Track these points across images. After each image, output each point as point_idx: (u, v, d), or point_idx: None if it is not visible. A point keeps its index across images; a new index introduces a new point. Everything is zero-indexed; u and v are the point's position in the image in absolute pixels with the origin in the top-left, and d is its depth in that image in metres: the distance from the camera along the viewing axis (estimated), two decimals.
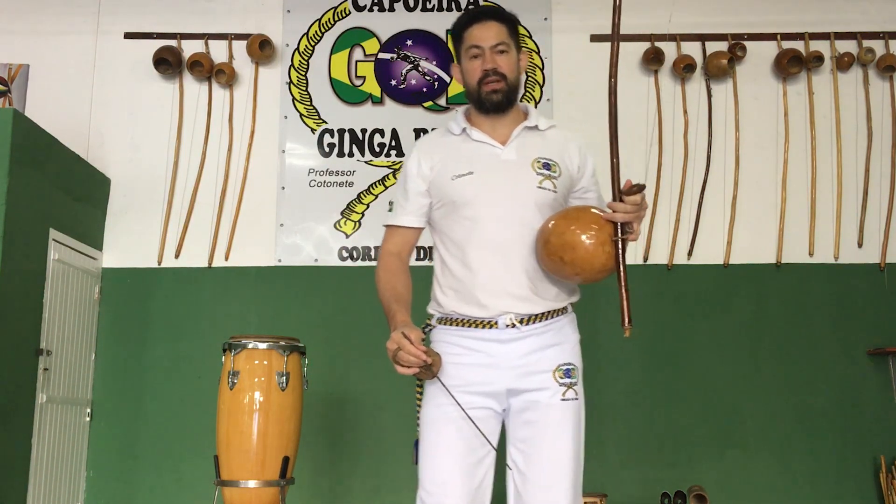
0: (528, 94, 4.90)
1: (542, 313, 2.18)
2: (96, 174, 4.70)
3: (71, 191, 4.40)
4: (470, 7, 4.98)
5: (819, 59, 4.82)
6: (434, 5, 4.99)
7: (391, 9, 4.99)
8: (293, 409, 3.40)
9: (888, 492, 4.37)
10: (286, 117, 4.89)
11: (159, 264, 4.73)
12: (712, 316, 4.67)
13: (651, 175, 4.81)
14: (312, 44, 4.97)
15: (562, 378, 2.17)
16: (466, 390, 2.13)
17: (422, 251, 4.44)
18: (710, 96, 4.88)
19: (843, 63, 4.86)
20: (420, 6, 4.99)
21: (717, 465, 4.51)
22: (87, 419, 4.55)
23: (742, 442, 4.54)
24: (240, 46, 4.91)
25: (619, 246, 2.04)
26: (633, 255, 4.72)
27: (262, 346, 3.40)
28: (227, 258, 4.73)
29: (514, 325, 2.14)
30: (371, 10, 5.00)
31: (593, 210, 2.12)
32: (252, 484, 3.28)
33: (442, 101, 4.90)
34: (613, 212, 2.05)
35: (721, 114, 4.87)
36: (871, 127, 4.81)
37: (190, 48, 4.91)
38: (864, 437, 4.52)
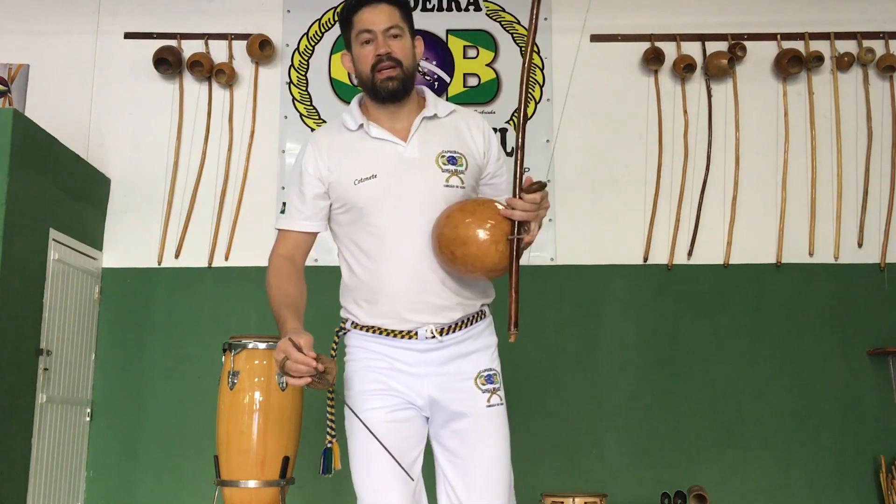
0: (528, 93, 4.89)
1: (461, 321, 2.10)
2: (96, 174, 4.70)
3: (71, 191, 4.40)
4: (469, 6, 4.98)
5: (819, 59, 4.82)
6: (434, 5, 5.00)
7: None
8: (293, 409, 3.40)
9: (888, 492, 4.37)
10: (286, 117, 4.89)
11: (159, 264, 4.73)
12: (712, 316, 4.67)
13: (651, 175, 4.81)
14: (312, 44, 4.97)
15: (484, 385, 2.10)
16: (389, 394, 2.08)
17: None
18: (710, 96, 4.88)
19: (843, 63, 4.86)
20: (420, 6, 4.99)
21: (717, 465, 4.51)
22: (87, 419, 4.55)
23: (742, 442, 4.54)
24: (240, 46, 4.91)
25: (514, 245, 1.93)
26: (634, 254, 4.72)
27: (262, 346, 3.40)
28: (227, 258, 4.73)
29: (433, 336, 2.06)
30: None
31: (493, 204, 1.99)
32: (252, 484, 3.28)
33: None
34: (512, 209, 1.92)
35: (721, 114, 4.86)
36: (871, 127, 4.81)
37: (190, 48, 4.91)
38: (864, 437, 4.53)
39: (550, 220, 4.75)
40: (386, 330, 2.09)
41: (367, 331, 2.12)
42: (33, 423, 4.00)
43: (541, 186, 1.93)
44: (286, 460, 3.34)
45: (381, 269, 2.07)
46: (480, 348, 2.14)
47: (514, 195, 1.95)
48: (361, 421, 2.04)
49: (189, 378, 4.56)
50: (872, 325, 4.63)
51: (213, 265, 4.73)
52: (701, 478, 4.45)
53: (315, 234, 2.20)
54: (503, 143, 4.85)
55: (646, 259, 4.73)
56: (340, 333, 2.19)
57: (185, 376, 4.57)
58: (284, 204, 2.21)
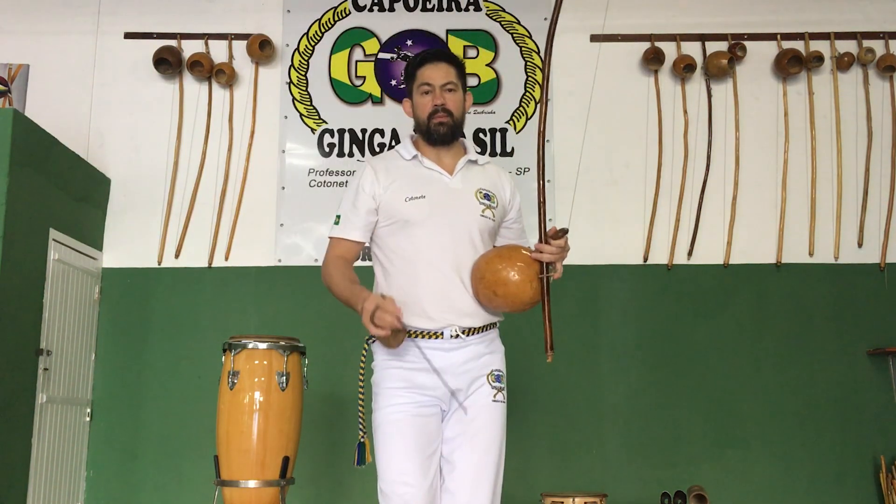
0: (527, 93, 4.91)
1: (481, 326, 2.42)
2: (96, 174, 4.70)
3: (71, 191, 4.40)
4: (469, 6, 4.98)
5: (819, 59, 4.82)
6: (434, 5, 5.00)
7: (391, 9, 4.99)
8: (293, 409, 3.40)
9: (888, 492, 4.37)
10: (286, 117, 4.89)
11: (159, 264, 4.73)
12: (712, 316, 4.67)
13: (651, 175, 4.81)
14: (312, 44, 4.97)
15: (494, 382, 2.43)
16: (416, 391, 2.36)
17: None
18: (710, 96, 4.88)
19: (843, 63, 4.86)
20: (420, 6, 5.00)
21: (717, 465, 4.51)
22: (87, 419, 4.55)
23: (742, 442, 4.54)
24: (240, 46, 4.91)
25: (545, 282, 2.33)
26: (634, 254, 4.73)
27: (262, 346, 3.39)
28: (227, 258, 4.73)
29: (457, 336, 2.37)
30: (371, 10, 5.00)
31: (523, 251, 2.39)
32: (252, 484, 3.28)
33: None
34: (541, 252, 2.33)
35: (721, 114, 4.87)
36: (871, 127, 4.81)
37: (190, 48, 4.92)
38: (864, 437, 4.53)
39: (550, 220, 4.75)
40: (414, 332, 2.36)
41: None
42: (33, 423, 4.00)
43: (564, 232, 2.34)
44: (286, 460, 3.34)
45: (416, 274, 2.39)
46: (494, 351, 2.48)
47: (541, 240, 2.35)
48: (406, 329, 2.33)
49: (189, 378, 4.56)
50: (872, 325, 4.63)
51: (213, 265, 4.73)
52: (701, 478, 4.45)
53: (362, 245, 2.51)
54: (503, 142, 4.85)
55: (646, 259, 4.73)
56: (370, 341, 2.46)
57: (185, 376, 4.57)
58: (338, 216, 2.52)
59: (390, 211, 2.43)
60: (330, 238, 2.54)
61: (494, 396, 2.42)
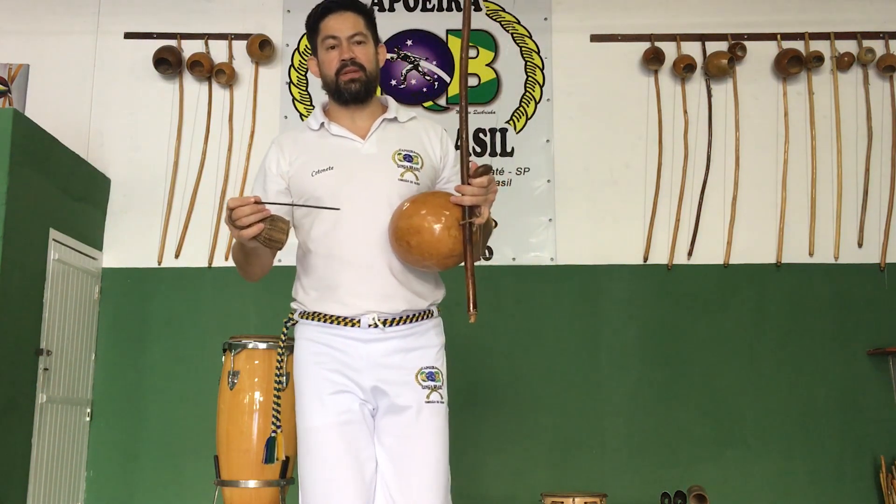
0: (528, 93, 4.90)
1: (405, 315, 2.15)
2: (96, 174, 4.70)
3: (71, 191, 4.40)
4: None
5: (819, 59, 4.82)
6: (434, 5, 4.99)
7: (391, 9, 4.99)
8: (293, 409, 3.40)
9: (888, 492, 4.37)
10: (286, 117, 4.89)
11: (159, 264, 4.73)
12: (712, 316, 4.67)
13: (651, 175, 4.81)
14: None
15: (424, 381, 2.15)
16: (336, 391, 2.13)
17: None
18: (710, 96, 4.88)
19: (843, 63, 4.86)
20: (420, 6, 4.99)
21: (717, 465, 4.51)
22: (87, 419, 4.55)
23: (742, 442, 4.54)
24: (240, 46, 4.91)
25: (468, 230, 2.00)
26: (634, 254, 4.72)
27: (262, 346, 3.40)
28: (227, 258, 4.73)
29: (376, 325, 2.12)
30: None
31: (443, 194, 2.07)
32: (252, 484, 3.28)
33: (442, 101, 4.90)
34: (462, 195, 2.00)
35: (721, 114, 4.87)
36: (871, 127, 4.81)
37: (190, 48, 4.91)
38: (864, 437, 4.52)
39: (550, 220, 4.75)
40: (330, 316, 2.15)
41: (313, 318, 2.18)
42: (33, 423, 4.00)
43: (486, 170, 2.00)
44: (286, 460, 3.34)
45: (330, 255, 2.15)
46: (424, 346, 2.18)
47: (463, 181, 2.03)
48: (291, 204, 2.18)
49: (189, 378, 4.55)
50: (872, 325, 4.63)
51: (213, 265, 4.73)
52: (701, 478, 4.44)
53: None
54: (503, 142, 4.85)
55: (646, 259, 4.73)
56: (289, 324, 2.29)
57: (185, 376, 4.57)
58: None
59: (299, 189, 2.19)
60: None
61: (428, 397, 2.14)
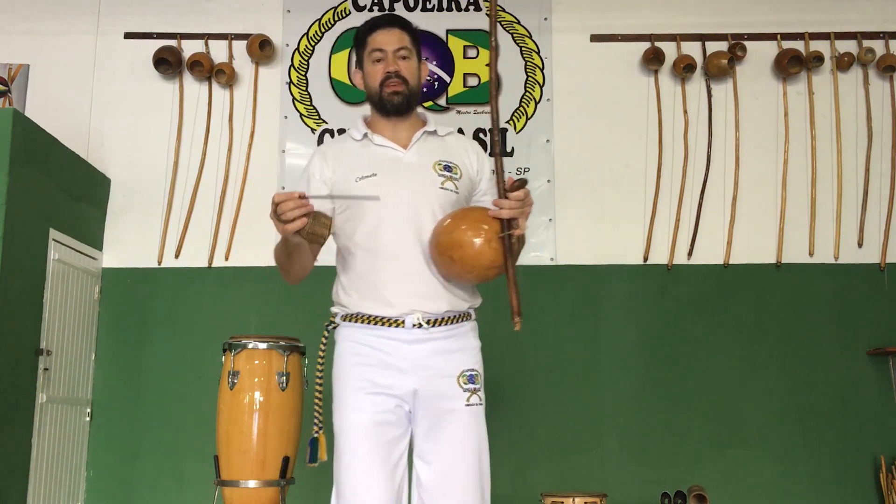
0: (528, 93, 4.90)
1: (447, 316, 2.21)
2: (96, 174, 4.70)
3: (71, 191, 4.40)
4: (469, 6, 4.98)
5: (819, 59, 4.82)
6: (434, 5, 4.99)
7: (391, 9, 4.99)
8: (293, 409, 3.41)
9: (888, 492, 4.37)
10: (286, 117, 4.89)
11: (159, 264, 4.73)
12: (712, 316, 4.67)
13: (651, 175, 4.81)
14: (312, 44, 4.97)
15: (466, 384, 2.20)
16: (376, 392, 2.16)
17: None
18: (710, 96, 4.88)
19: (843, 63, 4.86)
20: (420, 6, 4.99)
21: (717, 465, 4.51)
22: (87, 419, 4.55)
23: (742, 442, 4.54)
24: (240, 46, 4.91)
25: (507, 242, 2.08)
26: (634, 254, 4.73)
27: (262, 346, 3.40)
28: (227, 258, 4.73)
29: (420, 325, 2.17)
30: (371, 10, 4.99)
31: (481, 209, 2.16)
32: (252, 484, 3.28)
33: (442, 101, 4.90)
34: (499, 209, 2.08)
35: (721, 114, 4.87)
36: (871, 127, 4.81)
37: (190, 48, 4.91)
38: (864, 437, 4.52)
39: (550, 220, 4.75)
40: (374, 318, 2.19)
41: (356, 321, 2.22)
42: (33, 423, 4.00)
43: (522, 184, 2.08)
44: (286, 460, 3.34)
45: (374, 259, 2.21)
46: (465, 348, 2.25)
47: (500, 195, 2.11)
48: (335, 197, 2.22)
49: (189, 378, 4.55)
50: (872, 325, 4.63)
51: (213, 265, 4.73)
52: (701, 478, 4.44)
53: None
54: (503, 142, 4.84)
55: (646, 259, 4.73)
56: (330, 328, 2.31)
57: (185, 376, 4.57)
58: None
59: (342, 193, 2.25)
60: None
61: (468, 400, 2.19)
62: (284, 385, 3.37)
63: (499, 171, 2.14)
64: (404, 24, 2.36)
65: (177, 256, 4.74)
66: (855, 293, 4.67)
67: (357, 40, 2.38)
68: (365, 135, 2.32)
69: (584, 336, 4.67)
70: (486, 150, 4.96)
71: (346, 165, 2.27)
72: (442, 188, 2.24)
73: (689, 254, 4.74)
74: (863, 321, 4.64)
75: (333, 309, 2.32)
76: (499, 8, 4.98)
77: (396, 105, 2.29)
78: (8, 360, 3.79)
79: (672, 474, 4.47)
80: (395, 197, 2.20)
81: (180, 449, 4.51)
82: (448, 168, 2.29)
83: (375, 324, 2.18)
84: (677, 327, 4.66)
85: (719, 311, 4.68)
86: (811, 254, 4.72)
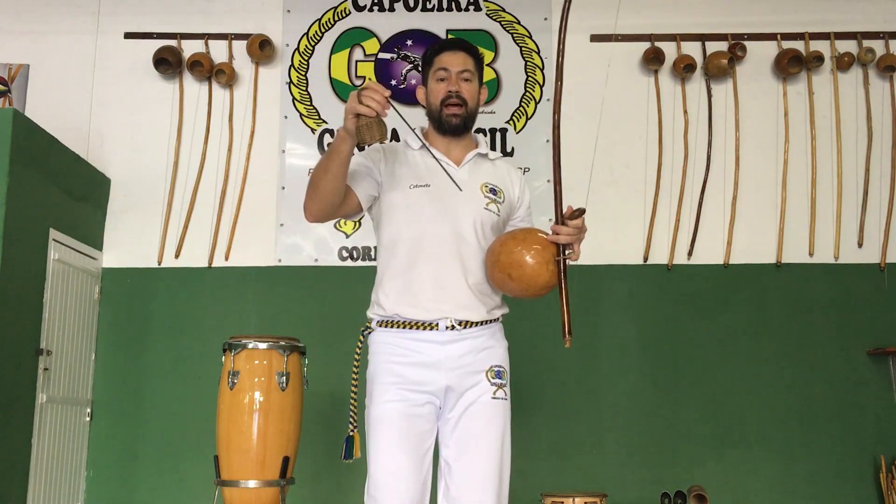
0: (528, 93, 4.90)
1: (480, 321, 2.35)
2: (96, 174, 4.70)
3: (71, 191, 4.40)
4: (469, 6, 4.98)
5: (819, 59, 4.82)
6: (434, 5, 5.00)
7: (391, 9, 4.99)
8: (293, 409, 3.41)
9: (888, 492, 4.37)
10: (286, 117, 4.89)
11: (159, 264, 4.73)
12: (712, 316, 4.67)
13: (651, 175, 4.81)
14: (312, 44, 4.97)
15: (493, 378, 2.35)
16: (408, 388, 2.30)
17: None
18: (710, 96, 4.88)
19: (843, 63, 4.86)
20: (420, 6, 4.99)
21: (717, 465, 4.51)
22: (87, 419, 4.55)
23: (742, 442, 4.54)
24: (240, 46, 4.91)
25: (562, 265, 2.26)
26: (634, 254, 4.73)
27: (262, 346, 3.40)
28: (227, 258, 4.73)
29: (453, 328, 2.31)
30: (371, 10, 5.00)
31: (539, 233, 2.32)
32: (252, 484, 3.28)
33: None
34: (557, 234, 2.25)
35: (721, 114, 4.87)
36: (871, 127, 4.81)
37: (190, 48, 4.91)
38: (864, 437, 4.53)
39: (550, 220, 4.73)
40: (409, 322, 2.31)
41: (392, 326, 2.34)
42: (33, 423, 4.00)
43: (581, 213, 2.25)
44: (286, 460, 3.34)
45: (414, 264, 2.33)
46: (494, 346, 2.40)
47: (558, 222, 2.26)
48: (404, 120, 2.31)
49: (189, 378, 4.55)
50: (872, 325, 4.63)
51: (213, 265, 4.73)
52: (701, 478, 4.45)
53: (358, 205, 2.38)
54: (503, 142, 4.85)
55: (646, 259, 4.73)
56: (366, 333, 2.43)
57: (185, 376, 4.57)
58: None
59: (393, 196, 2.39)
60: None
61: (494, 393, 2.34)
62: (284, 385, 3.37)
63: (558, 198, 2.30)
64: (470, 49, 2.48)
65: (177, 256, 4.74)
66: (855, 293, 4.67)
67: (424, 59, 2.51)
68: (423, 146, 2.44)
69: (584, 336, 4.67)
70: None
71: (403, 168, 2.40)
72: (486, 209, 2.40)
73: (689, 254, 4.74)
74: (863, 321, 4.64)
75: (370, 314, 2.43)
76: (499, 8, 4.99)
77: (454, 126, 2.42)
78: (8, 360, 3.79)
79: (672, 474, 4.47)
80: (443, 207, 2.35)
81: (180, 449, 4.50)
82: (493, 191, 2.44)
83: (410, 328, 2.31)
84: (677, 327, 4.66)
85: (719, 311, 4.68)
86: (811, 254, 4.72)
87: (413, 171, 2.41)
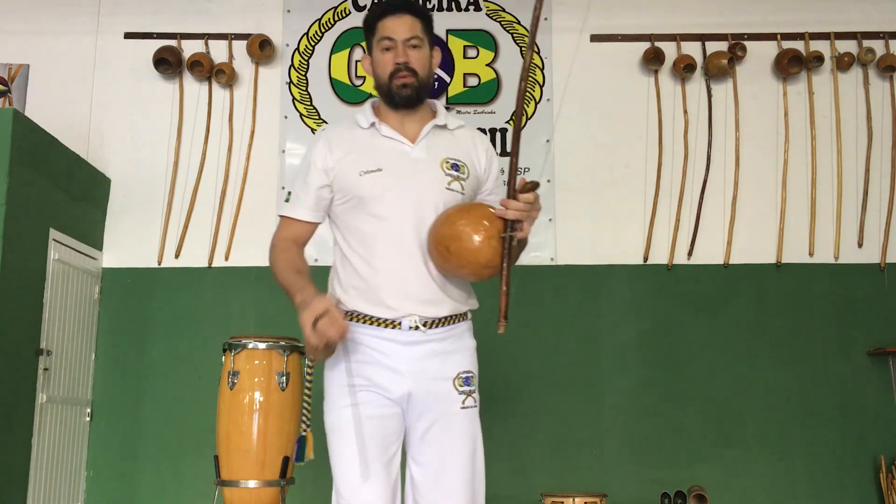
0: (528, 93, 4.90)
1: (446, 317, 2.15)
2: (96, 174, 4.70)
3: (71, 191, 4.40)
4: (469, 6, 4.98)
5: (819, 59, 4.82)
6: (434, 5, 4.99)
7: None
8: (293, 409, 3.40)
9: (888, 492, 4.37)
10: (286, 117, 4.89)
11: (159, 264, 4.73)
12: (712, 316, 4.67)
13: (651, 175, 4.81)
14: (312, 44, 4.97)
15: (461, 386, 2.16)
16: (370, 390, 2.12)
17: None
18: (710, 96, 4.88)
19: (843, 63, 4.86)
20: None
21: (717, 465, 4.51)
22: (87, 419, 4.55)
23: (742, 442, 4.54)
24: (240, 46, 4.91)
25: (507, 243, 2.02)
26: (634, 254, 4.73)
27: (262, 346, 3.40)
28: (227, 258, 4.73)
29: (417, 328, 2.11)
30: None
31: (486, 206, 2.11)
32: (252, 484, 3.28)
33: (442, 102, 4.89)
34: (506, 209, 2.02)
35: (721, 114, 4.86)
36: (871, 127, 4.81)
37: (190, 48, 4.91)
38: (864, 437, 4.53)
39: (550, 219, 4.75)
40: (370, 318, 2.13)
41: (352, 319, 2.14)
42: (33, 423, 4.00)
43: (534, 186, 2.02)
44: (286, 460, 3.34)
45: (373, 258, 2.14)
46: (461, 349, 2.19)
47: (509, 196, 2.04)
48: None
49: (189, 378, 4.55)
50: (872, 325, 4.63)
51: (213, 265, 4.73)
52: (701, 478, 4.45)
53: (315, 226, 2.27)
54: (503, 142, 4.85)
55: (646, 259, 4.73)
56: None
57: (185, 376, 4.57)
58: (290, 193, 2.28)
59: (345, 187, 2.17)
60: (280, 217, 2.29)
61: (463, 402, 2.15)
62: (284, 385, 3.37)
63: (512, 171, 2.07)
64: (416, 10, 2.23)
65: (177, 256, 4.74)
66: (855, 293, 4.67)
67: (366, 25, 2.26)
68: (372, 124, 2.23)
69: (584, 336, 4.67)
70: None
71: (351, 155, 2.18)
72: (448, 188, 2.17)
73: (689, 254, 4.74)
74: (863, 321, 4.64)
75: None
76: (499, 8, 4.99)
77: (406, 98, 2.18)
78: (8, 360, 3.79)
79: (672, 474, 4.47)
80: (398, 194, 2.13)
81: (180, 449, 4.50)
82: (456, 167, 2.20)
83: (371, 324, 2.13)
84: (677, 327, 4.66)
85: (719, 311, 4.68)
86: (811, 254, 4.72)
87: (363, 155, 2.17)
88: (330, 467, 2.20)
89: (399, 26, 2.19)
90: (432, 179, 2.17)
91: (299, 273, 2.16)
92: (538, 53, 4.94)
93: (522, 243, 2.15)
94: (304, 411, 2.22)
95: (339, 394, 2.14)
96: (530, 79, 4.93)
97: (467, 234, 2.01)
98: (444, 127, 2.26)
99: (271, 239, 2.27)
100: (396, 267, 2.12)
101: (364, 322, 2.13)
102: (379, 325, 2.12)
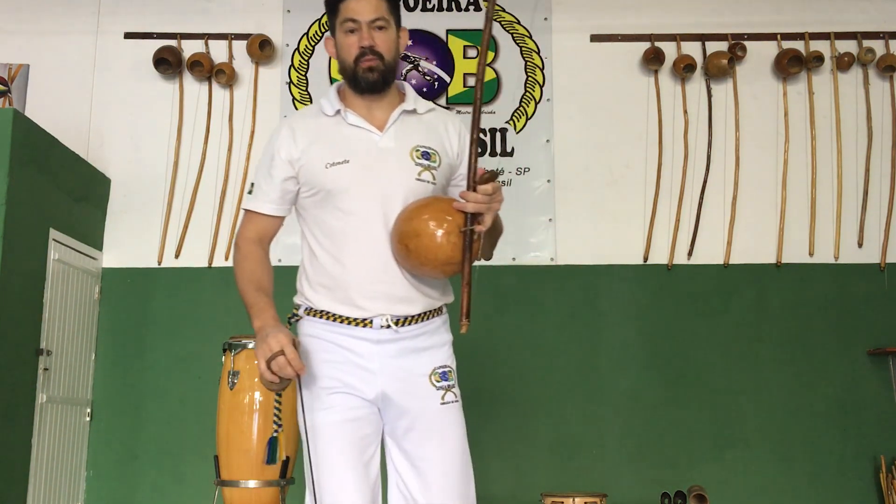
0: (528, 93, 4.90)
1: (419, 314, 2.07)
2: (96, 174, 4.70)
3: (71, 191, 4.40)
4: (469, 6, 4.98)
5: (819, 59, 4.82)
6: (434, 5, 5.00)
7: None
8: (293, 409, 3.40)
9: (888, 492, 4.37)
10: (286, 117, 4.87)
11: (159, 264, 4.73)
12: (712, 316, 4.67)
13: (651, 175, 4.81)
14: (312, 44, 4.97)
15: (438, 382, 2.07)
16: (344, 391, 2.04)
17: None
18: (710, 96, 4.88)
19: (843, 63, 4.86)
20: (420, 6, 5.00)
21: (717, 465, 4.51)
22: (87, 419, 4.55)
23: (742, 442, 4.54)
24: (240, 46, 4.91)
25: (468, 238, 1.92)
26: (633, 254, 4.72)
27: None
28: (227, 258, 4.73)
29: (389, 326, 2.03)
30: None
31: (446, 199, 2.00)
32: (252, 484, 3.28)
33: (442, 101, 4.90)
34: (465, 202, 1.93)
35: (721, 114, 4.87)
36: (871, 127, 4.81)
37: (190, 48, 4.91)
38: (864, 437, 4.53)
39: (550, 219, 4.75)
40: (340, 316, 2.05)
41: (321, 317, 2.09)
42: (33, 423, 4.00)
43: (493, 176, 1.92)
44: (286, 460, 3.34)
45: (341, 254, 2.05)
46: (436, 345, 2.11)
47: (469, 187, 1.95)
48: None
49: (189, 378, 4.56)
50: (872, 325, 4.63)
51: (213, 265, 4.73)
52: (701, 478, 4.45)
53: (280, 219, 2.17)
54: (503, 142, 4.85)
55: (646, 259, 4.73)
56: (293, 321, 2.17)
57: (185, 376, 4.57)
58: (252, 184, 2.19)
59: (311, 180, 2.06)
60: (243, 210, 2.18)
61: (443, 398, 2.06)
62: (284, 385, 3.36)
63: (471, 161, 1.96)
64: None
65: (177, 256, 4.74)
66: (855, 293, 4.67)
67: (329, 5, 2.13)
68: (338, 111, 2.11)
69: (584, 336, 4.67)
70: (484, 152, 4.97)
71: (316, 146, 2.07)
72: (419, 179, 2.06)
73: (689, 254, 4.74)
74: (863, 321, 4.64)
75: (297, 300, 2.18)
76: (498, 8, 4.98)
77: (371, 83, 2.06)
78: (8, 360, 3.79)
79: (672, 474, 4.47)
80: (368, 187, 2.03)
81: (180, 449, 4.51)
82: (426, 155, 2.08)
83: (341, 322, 2.05)
84: (677, 327, 4.66)
85: (719, 311, 4.68)
86: (811, 254, 4.72)
87: (328, 146, 2.07)
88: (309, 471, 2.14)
89: (363, 7, 2.07)
90: (402, 170, 2.06)
91: (259, 290, 2.10)
92: (538, 53, 4.94)
93: (496, 233, 2.08)
94: (276, 411, 2.16)
95: (314, 397, 2.05)
96: (530, 79, 4.93)
97: (426, 231, 1.92)
98: (413, 112, 2.15)
99: (235, 237, 2.18)
100: (366, 264, 2.03)
101: (334, 321, 2.06)
102: (349, 323, 2.04)
